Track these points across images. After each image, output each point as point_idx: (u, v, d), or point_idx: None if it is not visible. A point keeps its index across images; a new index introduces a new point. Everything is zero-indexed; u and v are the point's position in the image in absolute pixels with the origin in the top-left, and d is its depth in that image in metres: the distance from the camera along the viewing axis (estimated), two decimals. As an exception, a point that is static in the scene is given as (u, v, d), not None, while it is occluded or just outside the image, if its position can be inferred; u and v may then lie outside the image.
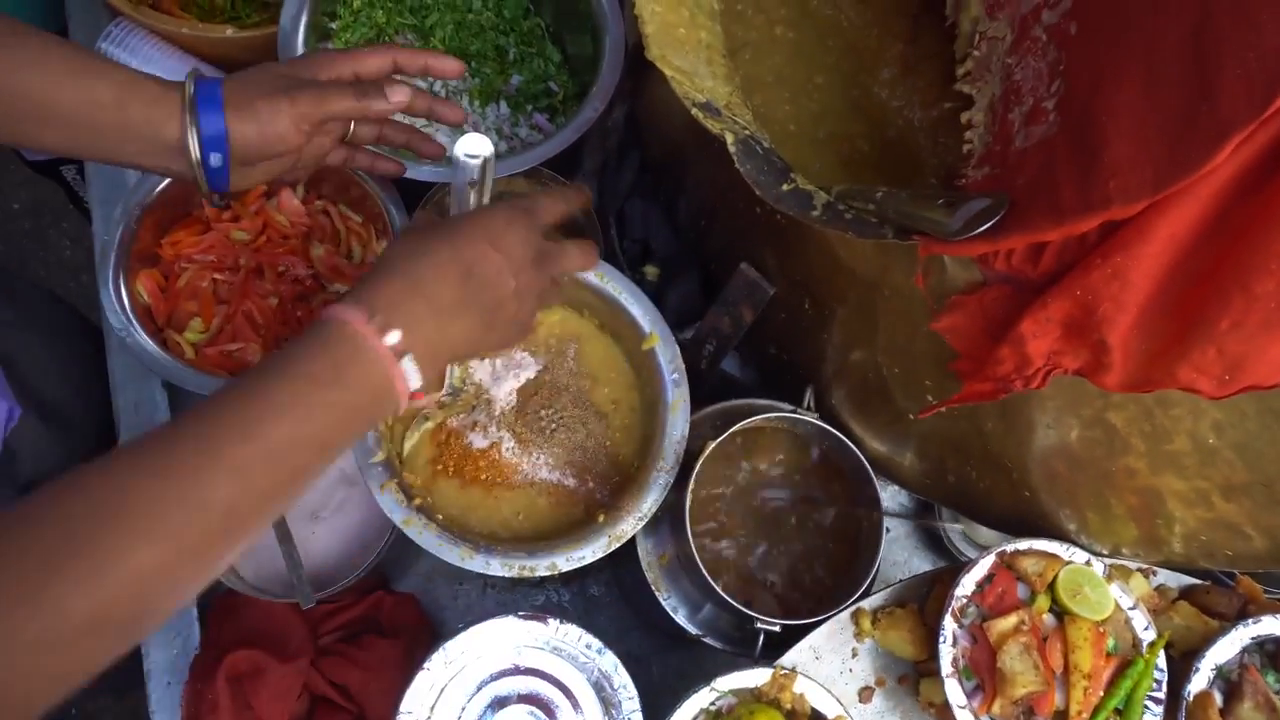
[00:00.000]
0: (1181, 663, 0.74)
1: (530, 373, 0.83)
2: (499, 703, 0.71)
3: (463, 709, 0.70)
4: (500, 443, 0.80)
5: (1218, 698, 0.72)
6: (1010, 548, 0.74)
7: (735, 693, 0.72)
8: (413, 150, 0.79)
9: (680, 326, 0.93)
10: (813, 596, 0.79)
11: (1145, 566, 0.78)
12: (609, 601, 0.97)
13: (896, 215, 0.63)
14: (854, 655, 0.76)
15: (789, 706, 0.71)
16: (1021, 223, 0.55)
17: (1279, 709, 0.71)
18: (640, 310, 0.81)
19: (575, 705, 0.71)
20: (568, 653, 0.73)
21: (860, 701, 0.76)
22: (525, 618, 0.72)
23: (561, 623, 0.72)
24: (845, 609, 0.76)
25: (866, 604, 0.77)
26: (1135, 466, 0.67)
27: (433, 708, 0.70)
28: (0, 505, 0.83)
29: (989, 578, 0.73)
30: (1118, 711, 0.70)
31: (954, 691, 0.70)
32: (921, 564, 1.02)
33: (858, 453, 0.78)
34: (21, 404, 0.90)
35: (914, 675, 0.76)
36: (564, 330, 0.84)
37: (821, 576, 0.80)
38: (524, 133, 1.02)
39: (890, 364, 0.74)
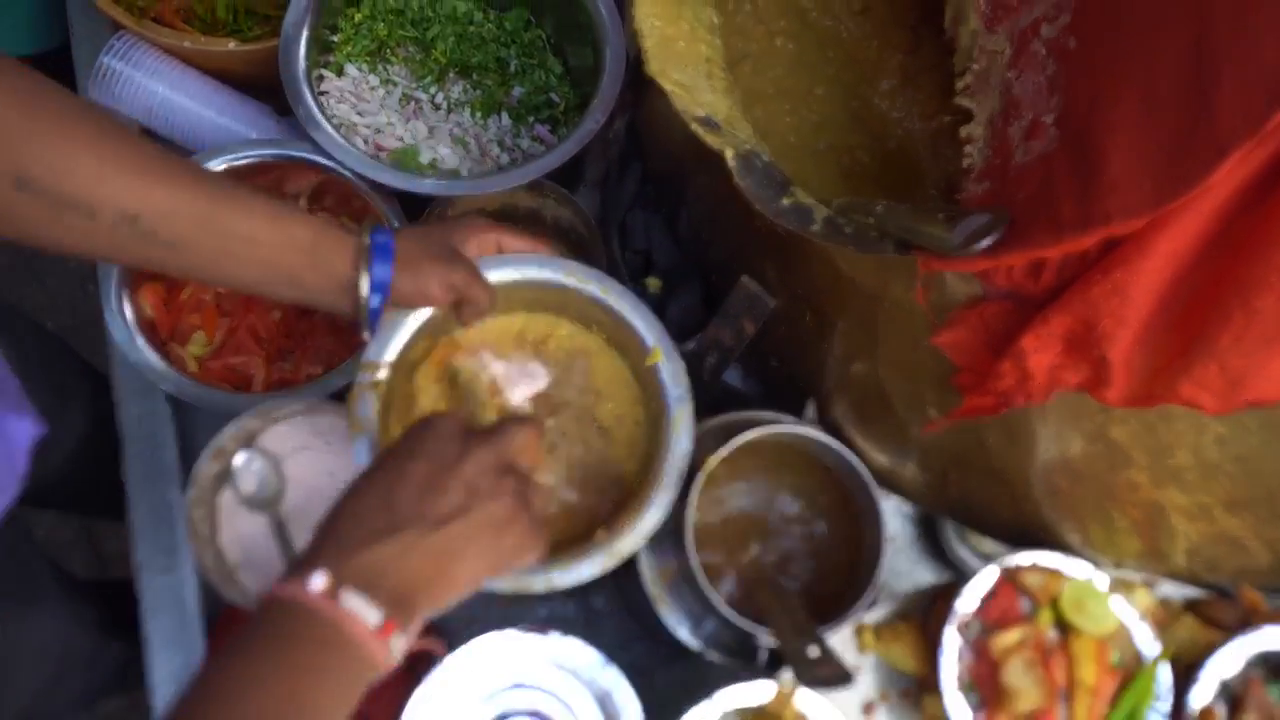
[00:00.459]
0: (1186, 676, 0.74)
1: (542, 383, 0.82)
2: (501, 718, 0.71)
3: (464, 724, 0.70)
4: None
5: (1222, 712, 0.71)
6: (1013, 562, 0.74)
7: (739, 711, 0.72)
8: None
9: (682, 338, 0.93)
10: (814, 610, 0.79)
11: (1149, 579, 0.78)
12: (612, 613, 0.97)
13: (897, 230, 0.63)
14: (856, 670, 0.76)
15: (791, 721, 0.71)
16: (1022, 239, 0.55)
17: (1284, 723, 0.71)
18: (644, 325, 0.79)
19: (577, 720, 0.71)
20: (570, 667, 0.73)
21: (864, 715, 0.76)
22: (527, 630, 0.72)
23: (563, 636, 0.72)
24: (847, 622, 0.76)
25: (869, 617, 0.77)
26: (1137, 480, 0.66)
27: (434, 723, 0.70)
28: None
29: (992, 592, 0.73)
30: (1122, 726, 0.70)
31: (956, 707, 0.69)
32: (925, 574, 1.02)
33: (859, 465, 0.78)
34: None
35: (917, 690, 0.76)
36: (572, 345, 0.84)
37: (823, 590, 0.80)
38: (525, 144, 1.02)
39: (891, 377, 0.74)
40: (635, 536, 0.73)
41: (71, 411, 1.07)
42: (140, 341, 0.86)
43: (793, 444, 0.83)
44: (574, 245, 1.02)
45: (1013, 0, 0.64)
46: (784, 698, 0.71)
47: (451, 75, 1.03)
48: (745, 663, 0.79)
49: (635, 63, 0.89)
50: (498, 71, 1.04)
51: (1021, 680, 0.70)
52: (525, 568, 0.63)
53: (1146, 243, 0.53)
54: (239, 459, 0.81)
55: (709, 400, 0.97)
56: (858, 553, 0.81)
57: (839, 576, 0.81)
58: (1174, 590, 0.79)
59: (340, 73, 1.00)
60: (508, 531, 0.57)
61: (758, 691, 0.72)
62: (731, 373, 0.95)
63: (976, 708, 0.70)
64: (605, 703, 0.72)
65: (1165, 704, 0.70)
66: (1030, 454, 0.69)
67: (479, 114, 1.01)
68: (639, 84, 0.92)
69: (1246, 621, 0.76)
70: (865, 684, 0.76)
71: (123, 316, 0.87)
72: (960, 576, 0.93)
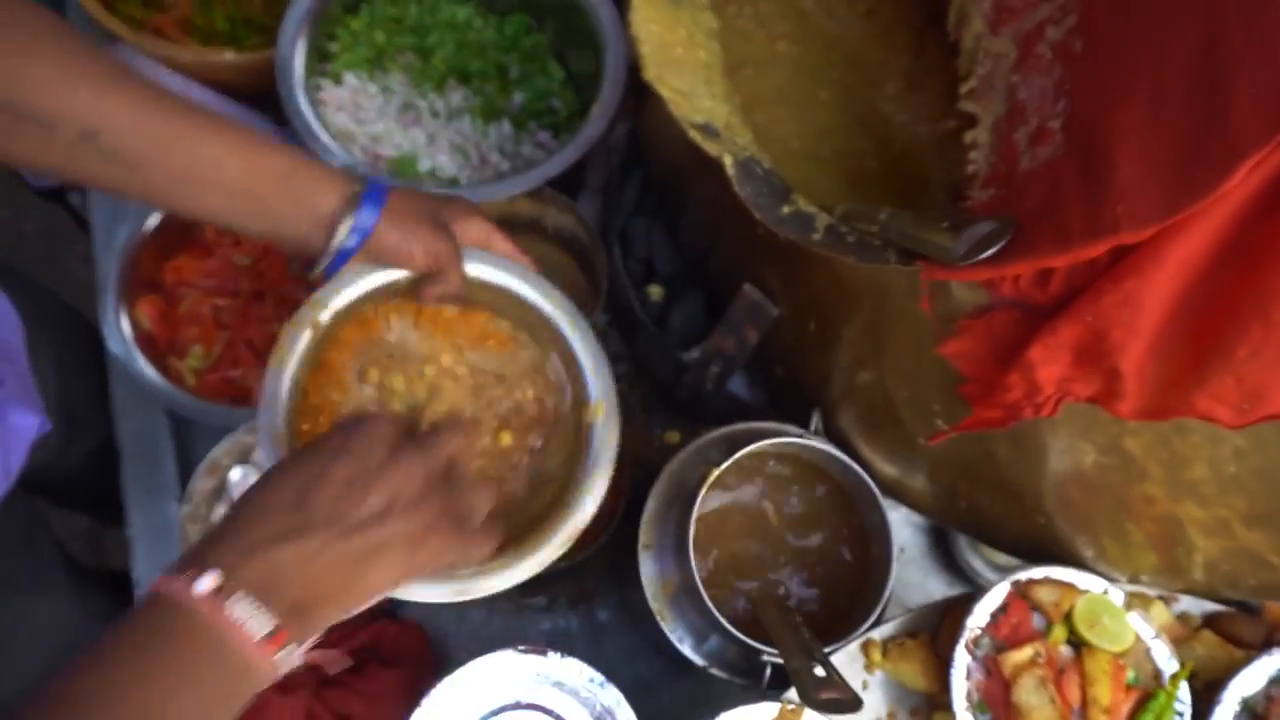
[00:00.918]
0: (1206, 694, 0.72)
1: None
2: (500, 738, 0.70)
3: (463, 745, 0.69)
4: None
5: (1244, 732, 0.69)
6: (1025, 576, 0.72)
7: (742, 729, 0.70)
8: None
9: (685, 347, 0.92)
10: (820, 626, 0.77)
11: (1166, 594, 0.76)
12: (617, 628, 0.95)
13: (900, 238, 0.61)
14: (864, 687, 0.74)
15: (797, 742, 0.69)
16: (1028, 248, 0.53)
17: (1308, 744, 0.69)
18: (594, 376, 0.71)
19: (577, 741, 0.70)
20: (570, 686, 0.71)
21: (871, 734, 0.74)
22: (526, 651, 0.71)
23: (563, 656, 0.71)
24: (855, 639, 0.74)
25: (877, 634, 0.75)
26: (1153, 494, 0.64)
27: (432, 744, 0.69)
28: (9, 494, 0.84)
29: (1003, 608, 0.71)
30: (1138, 747, 0.68)
31: (967, 727, 0.68)
32: (937, 584, 1.00)
33: (866, 478, 0.76)
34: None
35: (926, 708, 0.74)
36: (516, 365, 0.76)
37: (830, 605, 0.79)
38: (527, 151, 1.01)
39: (898, 387, 0.72)
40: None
41: (97, 413, 1.07)
42: (138, 355, 0.85)
43: (798, 455, 0.81)
44: (575, 253, 1.01)
45: (1017, 2, 0.62)
46: (789, 716, 0.70)
47: (451, 82, 1.02)
48: (750, 680, 0.77)
49: (636, 68, 0.88)
50: (498, 78, 1.02)
51: (1034, 699, 0.68)
52: (441, 572, 0.60)
53: (1159, 251, 0.51)
54: (234, 474, 0.81)
55: (713, 409, 0.95)
56: (866, 567, 0.79)
57: (846, 592, 0.79)
58: (1192, 605, 0.77)
59: (339, 81, 0.99)
60: (424, 546, 0.54)
61: (761, 715, 0.70)
62: (736, 381, 0.94)
63: (988, 727, 0.68)
64: (606, 722, 0.71)
65: (1184, 723, 0.68)
66: (1041, 466, 0.67)
67: (479, 121, 1.00)
68: (640, 90, 0.91)
69: (1270, 638, 0.74)
70: (873, 702, 0.74)
71: (120, 330, 0.86)
72: (973, 588, 0.91)
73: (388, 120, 0.99)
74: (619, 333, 1.02)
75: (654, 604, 0.78)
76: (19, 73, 0.53)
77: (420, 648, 0.88)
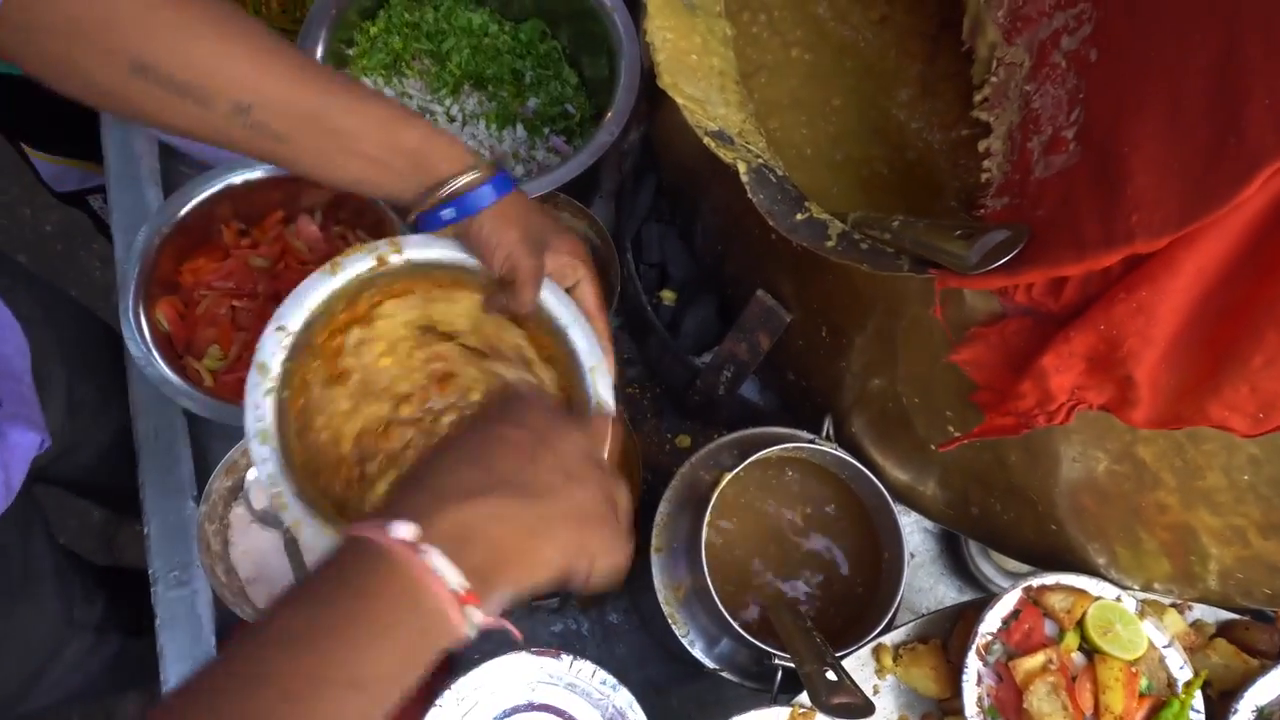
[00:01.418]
0: (1220, 703, 0.71)
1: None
2: (512, 740, 0.70)
3: (475, 746, 0.70)
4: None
5: (1257, 742, 0.69)
6: (1037, 582, 0.72)
7: (753, 732, 0.70)
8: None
9: (698, 352, 0.92)
10: (832, 631, 0.78)
11: (1180, 602, 0.76)
12: (628, 630, 0.96)
13: (913, 246, 0.62)
14: (875, 693, 0.74)
15: (808, 746, 0.70)
16: (1041, 256, 0.54)
17: (1322, 754, 0.68)
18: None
19: (589, 743, 0.70)
20: (582, 688, 0.72)
21: (882, 740, 0.74)
22: (538, 653, 0.71)
23: (576, 659, 0.71)
24: (866, 644, 0.74)
25: (888, 639, 0.75)
26: (1166, 502, 0.64)
27: (445, 745, 0.69)
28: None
29: (1015, 614, 0.71)
30: (1150, 756, 0.67)
31: (978, 734, 0.68)
32: (948, 591, 1.00)
33: (878, 483, 0.77)
34: (44, 401, 0.91)
35: (938, 714, 0.74)
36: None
37: (841, 610, 0.79)
38: (541, 155, 1.01)
39: (910, 393, 0.73)
40: None
41: (112, 408, 1.08)
42: (156, 355, 0.86)
43: (810, 460, 0.82)
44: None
45: (1032, 11, 0.62)
46: (800, 722, 0.70)
47: (466, 87, 1.02)
48: (761, 684, 0.77)
49: (650, 74, 0.88)
50: (513, 83, 1.03)
51: (1046, 705, 0.68)
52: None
53: (1173, 260, 0.51)
54: (251, 474, 0.81)
55: (726, 414, 0.96)
56: (877, 572, 0.79)
57: (858, 596, 0.80)
58: (1206, 613, 0.77)
59: (356, 86, 1.00)
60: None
61: (772, 718, 0.70)
62: (748, 386, 0.94)
63: (999, 734, 0.68)
64: (618, 725, 0.71)
65: (1197, 732, 0.68)
66: (1054, 473, 0.67)
67: (494, 126, 1.01)
68: (654, 96, 0.91)
69: (1283, 647, 0.73)
70: (884, 707, 0.74)
71: (139, 331, 0.87)
72: (983, 594, 0.91)
73: (443, 126, 1.00)
74: (631, 337, 1.03)
75: (666, 607, 0.79)
76: (180, 50, 0.55)
77: (433, 649, 0.88)
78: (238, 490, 0.83)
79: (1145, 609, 0.72)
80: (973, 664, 0.70)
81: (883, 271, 0.61)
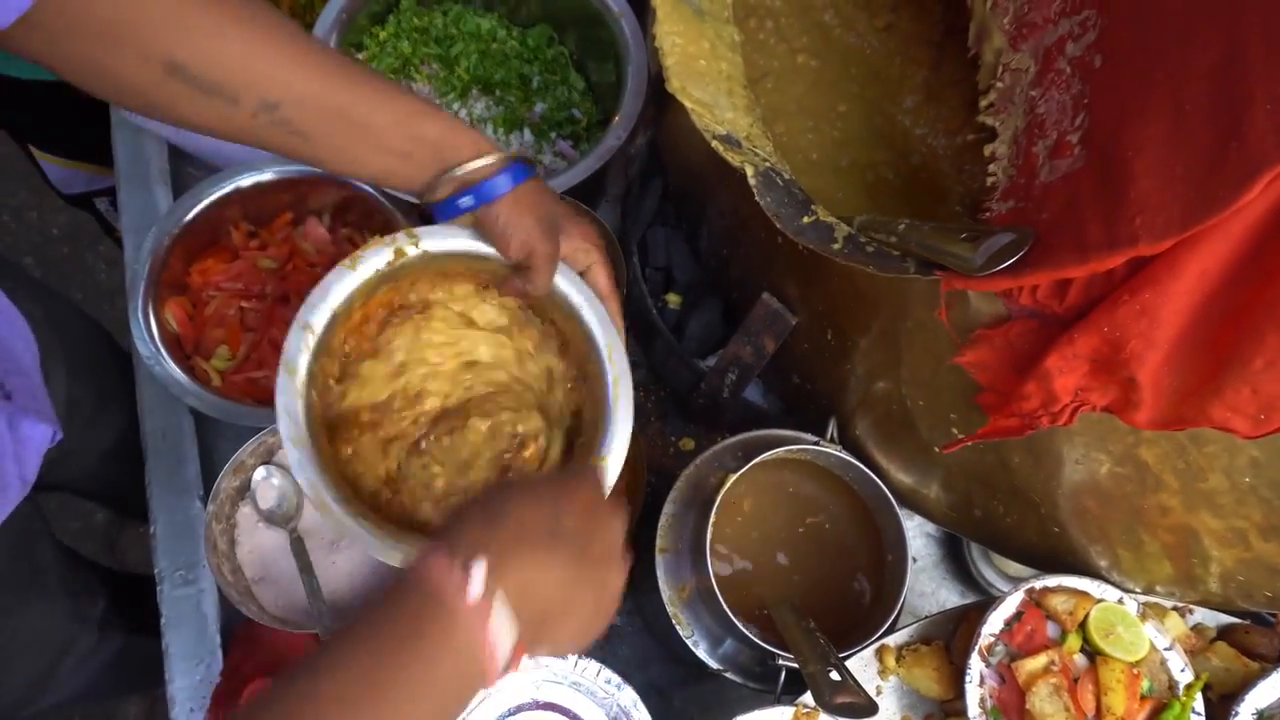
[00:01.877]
0: (1220, 706, 0.72)
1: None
2: (517, 738, 0.70)
3: (480, 744, 0.70)
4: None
5: (1258, 744, 0.69)
6: (1039, 584, 0.73)
7: (757, 732, 0.71)
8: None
9: (703, 355, 0.93)
10: (835, 632, 0.78)
11: (1181, 605, 0.76)
12: (631, 631, 0.96)
13: (919, 248, 0.62)
14: (878, 693, 0.75)
15: (811, 746, 0.70)
16: (1046, 259, 0.54)
17: (1323, 757, 0.69)
18: (618, 430, 0.68)
19: (594, 741, 0.71)
20: (586, 687, 0.72)
21: (885, 741, 0.75)
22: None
23: (580, 658, 0.72)
24: (869, 645, 0.74)
25: (891, 640, 0.76)
26: (1168, 504, 0.65)
27: (450, 742, 0.69)
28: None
29: (1017, 615, 0.72)
30: (1152, 757, 0.68)
31: (981, 734, 0.68)
32: (950, 595, 1.00)
33: (882, 485, 0.77)
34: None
35: (940, 715, 0.75)
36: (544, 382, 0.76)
37: (844, 611, 0.79)
38: (548, 159, 1.02)
39: (914, 396, 0.73)
40: None
41: (110, 412, 1.09)
42: (165, 355, 0.87)
43: (814, 462, 0.82)
44: (595, 261, 1.02)
45: (1037, 18, 0.63)
46: (804, 722, 0.70)
47: (474, 92, 1.03)
48: (765, 685, 0.78)
49: (657, 79, 0.89)
50: (520, 88, 1.04)
51: (1048, 706, 0.68)
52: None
53: (1176, 263, 0.51)
54: (258, 474, 0.82)
55: (730, 417, 0.96)
56: (880, 574, 0.80)
57: (861, 598, 0.80)
58: (1208, 617, 0.77)
59: (365, 90, 1.01)
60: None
61: (776, 719, 0.70)
62: (753, 389, 0.95)
63: (1001, 735, 0.69)
64: (622, 724, 0.71)
65: (1198, 734, 0.68)
66: (1056, 475, 0.68)
67: (501, 130, 1.02)
68: (660, 101, 0.92)
69: (1284, 651, 0.74)
70: (887, 708, 0.75)
71: (148, 330, 0.88)
72: (986, 598, 0.91)
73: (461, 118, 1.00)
74: (637, 340, 1.03)
75: (670, 607, 0.79)
76: (211, 49, 0.55)
77: (437, 648, 0.89)
78: (245, 490, 0.83)
79: (1147, 611, 0.72)
80: (975, 665, 0.70)
81: (889, 273, 0.61)
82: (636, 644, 0.95)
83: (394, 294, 0.71)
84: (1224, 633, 0.77)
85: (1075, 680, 0.69)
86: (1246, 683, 0.71)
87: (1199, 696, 0.70)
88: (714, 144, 0.68)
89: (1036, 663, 0.69)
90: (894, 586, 0.76)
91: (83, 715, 1.61)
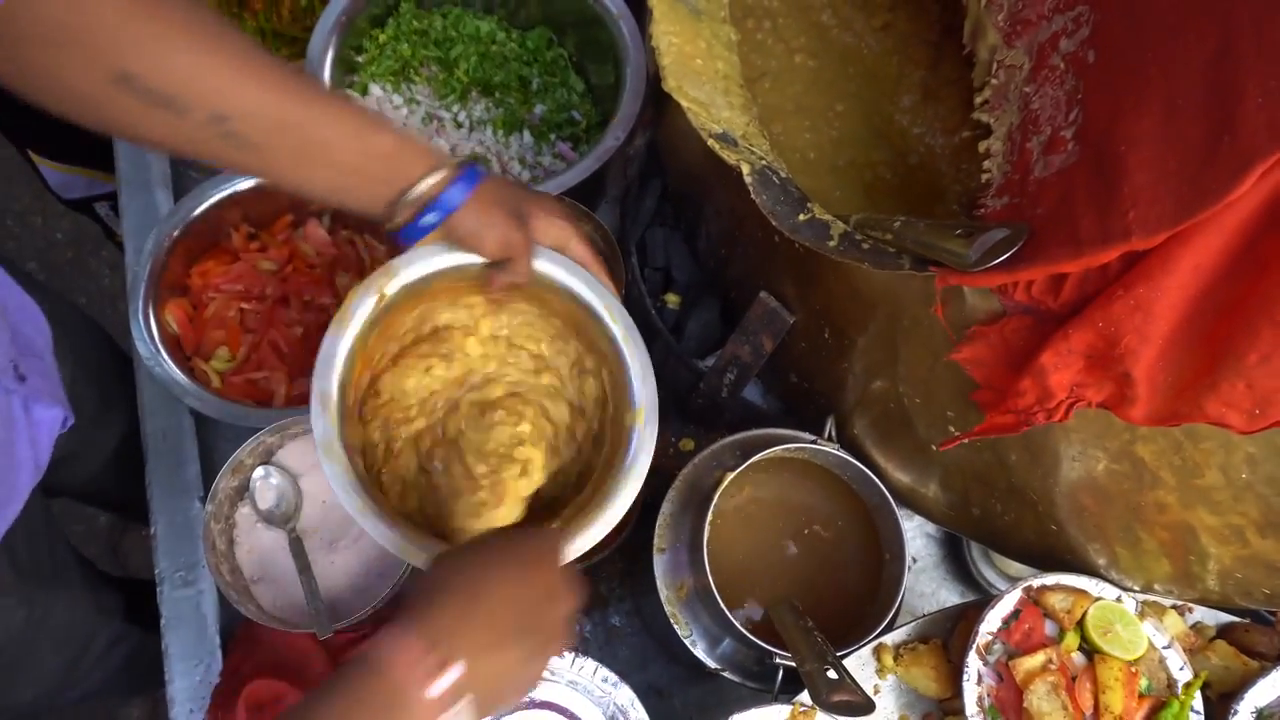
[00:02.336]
0: (1219, 705, 0.72)
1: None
2: (514, 736, 0.70)
3: (478, 742, 0.70)
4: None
5: (1257, 743, 0.69)
6: (1037, 583, 0.72)
7: (754, 730, 0.71)
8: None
9: (701, 354, 0.93)
10: (833, 631, 0.78)
11: (1180, 603, 0.76)
12: (630, 632, 0.96)
13: (914, 245, 0.62)
14: (876, 692, 0.74)
15: (809, 745, 0.70)
16: (1040, 254, 0.54)
17: (1323, 755, 0.68)
18: (640, 383, 0.72)
19: (591, 740, 0.71)
20: (584, 686, 0.72)
21: (883, 740, 0.74)
22: (541, 650, 0.71)
23: (577, 656, 0.72)
24: (867, 644, 0.74)
25: (889, 639, 0.75)
26: (1165, 501, 0.65)
27: (448, 741, 0.69)
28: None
29: (1015, 614, 0.72)
30: (1151, 755, 0.68)
31: (979, 732, 0.68)
32: (950, 595, 1.00)
33: (880, 484, 0.77)
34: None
35: (938, 713, 0.74)
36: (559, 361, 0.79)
37: (842, 610, 0.79)
38: (547, 161, 1.02)
39: (911, 394, 0.73)
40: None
41: (113, 416, 1.09)
42: (164, 356, 0.87)
43: (812, 461, 0.82)
44: (594, 262, 1.02)
45: (1031, 14, 0.63)
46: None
47: (474, 94, 1.04)
48: (762, 684, 0.77)
49: (655, 80, 0.90)
50: (520, 90, 1.04)
51: (1046, 705, 0.68)
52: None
53: (1169, 258, 0.51)
54: (257, 474, 0.82)
55: (729, 416, 0.96)
56: (878, 573, 0.80)
57: (859, 596, 0.80)
58: (1207, 615, 0.77)
59: (365, 92, 1.02)
60: (539, 677, 0.58)
61: (773, 717, 0.70)
62: (751, 389, 0.95)
63: (1000, 734, 0.69)
64: (620, 723, 0.71)
65: (1198, 733, 0.68)
66: (1054, 472, 0.68)
67: (501, 132, 1.02)
68: (659, 101, 0.93)
69: (1283, 649, 0.74)
70: (885, 707, 0.75)
71: (148, 332, 0.88)
72: (987, 598, 0.91)
73: (412, 130, 1.01)
74: (636, 340, 1.03)
75: (668, 607, 0.79)
76: (161, 60, 0.55)
77: (436, 649, 0.89)
78: (244, 490, 0.83)
79: (1145, 610, 0.72)
80: (973, 663, 0.70)
81: (884, 270, 0.61)
82: (636, 644, 0.95)
83: (386, 338, 0.72)
84: (1223, 631, 0.76)
85: (1073, 678, 0.69)
86: (1246, 681, 0.71)
87: (1198, 695, 0.69)
88: (710, 142, 0.68)
89: (1034, 661, 0.69)
90: (892, 585, 0.76)
91: (87, 716, 1.61)
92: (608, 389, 0.75)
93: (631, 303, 0.97)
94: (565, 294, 0.73)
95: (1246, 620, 0.76)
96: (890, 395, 0.75)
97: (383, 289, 0.68)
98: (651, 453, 0.71)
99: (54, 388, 0.88)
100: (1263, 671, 0.71)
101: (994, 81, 0.65)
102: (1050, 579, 0.72)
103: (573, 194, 0.94)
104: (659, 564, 0.80)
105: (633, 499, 0.69)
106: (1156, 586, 0.72)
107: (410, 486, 0.72)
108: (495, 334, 0.76)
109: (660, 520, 0.81)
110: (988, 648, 0.70)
